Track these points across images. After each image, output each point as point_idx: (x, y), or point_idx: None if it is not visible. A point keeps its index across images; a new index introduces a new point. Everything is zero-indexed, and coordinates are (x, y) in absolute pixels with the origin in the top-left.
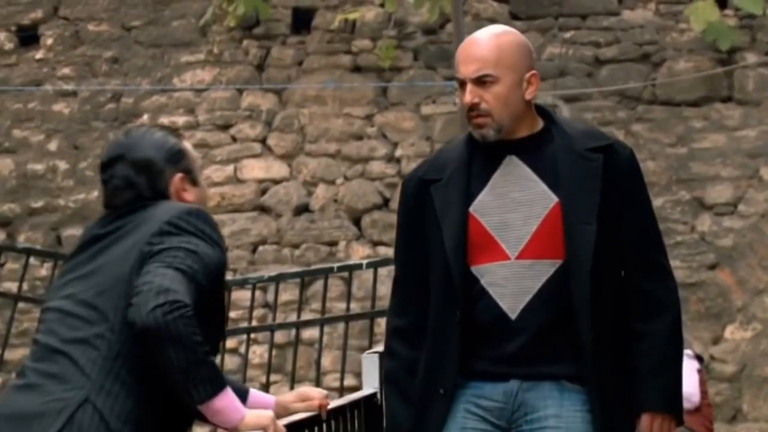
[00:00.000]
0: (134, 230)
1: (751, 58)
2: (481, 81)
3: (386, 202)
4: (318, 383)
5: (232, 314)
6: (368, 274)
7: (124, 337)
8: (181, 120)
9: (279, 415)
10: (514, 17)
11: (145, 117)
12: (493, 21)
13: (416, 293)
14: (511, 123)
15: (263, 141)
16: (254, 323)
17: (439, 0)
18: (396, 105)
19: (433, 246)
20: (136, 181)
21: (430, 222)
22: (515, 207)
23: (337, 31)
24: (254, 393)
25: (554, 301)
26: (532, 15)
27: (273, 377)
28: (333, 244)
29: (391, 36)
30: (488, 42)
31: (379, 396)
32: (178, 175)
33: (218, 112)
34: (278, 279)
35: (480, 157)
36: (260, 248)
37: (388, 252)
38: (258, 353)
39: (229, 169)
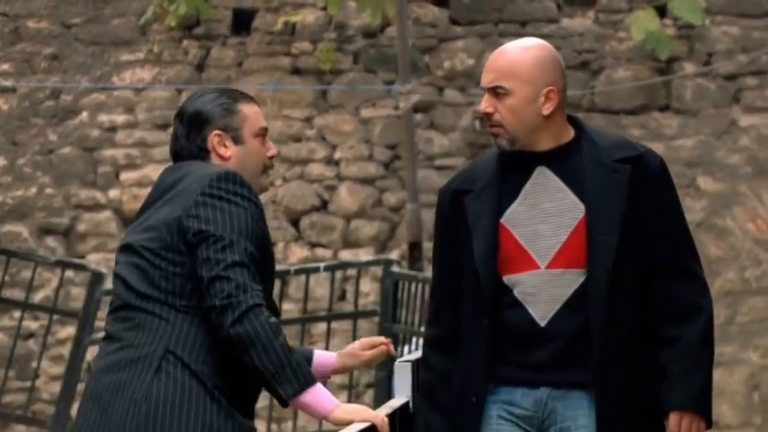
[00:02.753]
0: (178, 190)
1: (689, 67)
2: (495, 92)
3: (325, 204)
4: None
5: None
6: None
7: (187, 293)
8: (120, 119)
9: (347, 365)
10: (454, 22)
11: (84, 115)
12: (433, 26)
13: (451, 303)
14: (527, 136)
15: None
16: None
17: (382, 3)
18: (335, 108)
19: (465, 256)
20: (180, 135)
21: (463, 233)
22: (545, 217)
23: (278, 33)
24: (318, 354)
25: (583, 309)
26: (473, 21)
27: None
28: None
29: (331, 39)
30: (509, 54)
31: (411, 405)
32: (215, 132)
33: (157, 112)
34: None
35: (512, 169)
36: None
37: (326, 254)
38: None
39: None
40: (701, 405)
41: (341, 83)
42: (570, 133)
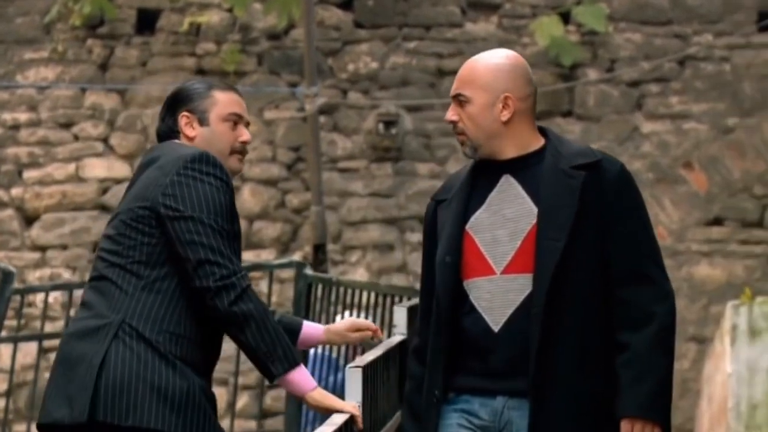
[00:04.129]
0: (153, 167)
1: (592, 74)
2: (458, 100)
3: None
4: None
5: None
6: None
7: (152, 263)
8: (23, 117)
9: (333, 342)
10: (358, 26)
11: None
12: (337, 29)
13: (429, 312)
14: (488, 143)
15: (105, 140)
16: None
17: (288, 6)
18: None
19: (433, 262)
20: (161, 116)
21: (435, 240)
22: (504, 223)
23: (182, 33)
24: (306, 324)
25: None
26: (377, 24)
27: None
28: None
29: (235, 40)
30: (470, 63)
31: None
32: (183, 113)
33: (61, 110)
34: None
35: (482, 178)
36: None
37: None
38: None
39: (71, 167)
40: (652, 412)
41: (245, 85)
42: (538, 143)
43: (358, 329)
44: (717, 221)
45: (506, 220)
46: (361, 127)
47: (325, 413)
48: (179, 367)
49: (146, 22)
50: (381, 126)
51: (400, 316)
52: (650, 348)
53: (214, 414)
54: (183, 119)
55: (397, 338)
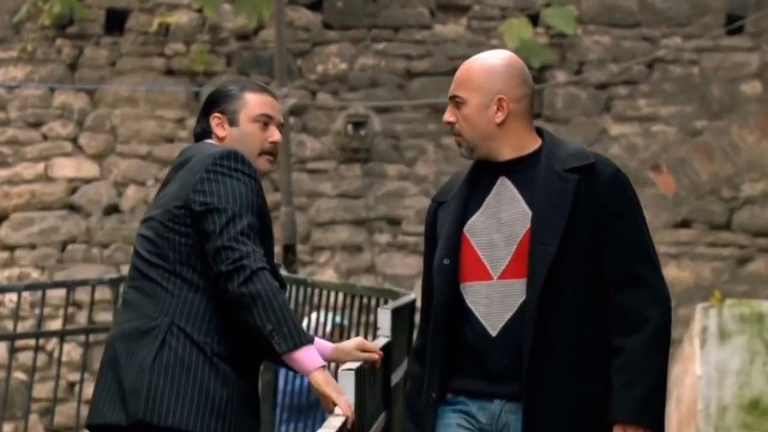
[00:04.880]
0: (185, 168)
1: (561, 76)
2: (454, 101)
3: None
4: None
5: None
6: None
7: (193, 263)
8: None
9: (340, 360)
10: (327, 27)
11: None
12: (306, 30)
13: (430, 314)
14: (483, 144)
15: (74, 140)
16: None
17: (259, 7)
18: None
19: (431, 264)
20: (197, 119)
21: (434, 242)
22: (500, 227)
23: (151, 34)
24: (317, 341)
25: None
26: (346, 26)
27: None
28: None
29: (205, 40)
30: (466, 65)
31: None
32: (215, 114)
33: (30, 110)
34: (119, 281)
35: (481, 180)
36: (69, 247)
37: None
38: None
39: (40, 167)
40: (644, 417)
41: (214, 85)
42: (535, 144)
43: (366, 350)
44: (685, 224)
45: (502, 224)
46: (329, 128)
47: (323, 398)
48: (222, 371)
49: (115, 22)
50: (350, 127)
51: (384, 318)
52: (644, 352)
53: (254, 420)
54: (214, 120)
55: (381, 341)
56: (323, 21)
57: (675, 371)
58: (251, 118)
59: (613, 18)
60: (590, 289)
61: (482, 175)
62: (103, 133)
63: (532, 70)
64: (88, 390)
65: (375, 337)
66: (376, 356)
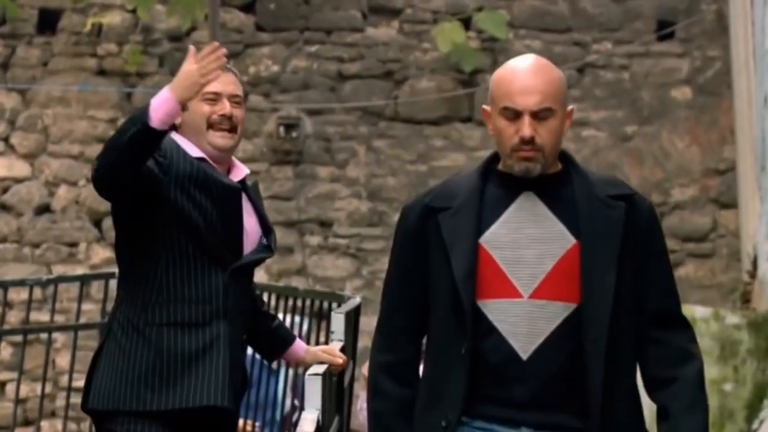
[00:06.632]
0: None
1: None
2: (539, 115)
3: None
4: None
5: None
6: None
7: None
8: None
9: (308, 361)
10: (259, 29)
11: None
12: (239, 31)
13: (408, 327)
14: (552, 160)
15: (6, 140)
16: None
17: (192, 8)
18: None
19: (438, 276)
20: None
21: (436, 252)
22: (529, 243)
23: (84, 34)
24: (297, 341)
25: (567, 346)
26: (278, 27)
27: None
28: (74, 245)
29: (137, 41)
30: (546, 74)
31: (320, 418)
32: None
33: None
34: (57, 281)
35: (494, 190)
36: (0, 246)
37: None
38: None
39: None
40: None
41: (146, 86)
42: (558, 164)
43: (332, 355)
44: None
45: (532, 240)
46: (261, 130)
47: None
48: (155, 340)
49: (48, 22)
50: (282, 129)
51: (338, 322)
52: (699, 383)
53: (206, 375)
54: None
55: (336, 344)
56: (256, 23)
57: None
58: (198, 98)
59: (544, 23)
60: (628, 321)
61: (494, 185)
62: (35, 132)
63: (464, 74)
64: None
65: (328, 340)
66: (338, 361)
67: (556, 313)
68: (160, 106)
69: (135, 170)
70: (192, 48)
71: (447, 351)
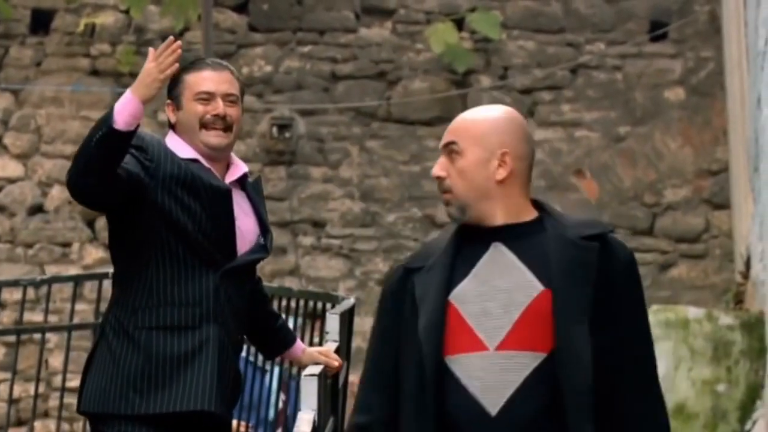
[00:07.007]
0: None
1: (485, 80)
2: (448, 152)
3: None
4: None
5: None
6: None
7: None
8: None
9: (305, 362)
10: (252, 29)
11: None
12: (232, 32)
13: (385, 387)
14: (478, 204)
15: None
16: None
17: (185, 8)
18: None
19: (408, 334)
20: None
21: (409, 310)
22: (495, 294)
23: (77, 34)
24: (298, 342)
25: (538, 397)
26: (271, 28)
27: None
28: (67, 245)
29: (130, 42)
30: (465, 115)
31: (316, 417)
32: (166, 103)
33: None
34: (51, 281)
35: (467, 246)
36: None
37: None
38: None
39: None
40: None
41: None
42: (531, 214)
43: (327, 357)
44: None
45: (498, 291)
46: (254, 130)
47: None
48: (144, 343)
49: (41, 22)
50: (275, 130)
51: (333, 323)
52: None
53: (193, 378)
54: (168, 108)
55: (331, 345)
56: (249, 23)
57: None
58: (191, 98)
59: (537, 23)
60: (600, 377)
61: (468, 241)
62: (28, 133)
63: (457, 75)
64: (16, 390)
65: (323, 341)
66: (333, 363)
67: (524, 363)
68: (124, 107)
69: (107, 174)
70: (151, 49)
71: (414, 410)
